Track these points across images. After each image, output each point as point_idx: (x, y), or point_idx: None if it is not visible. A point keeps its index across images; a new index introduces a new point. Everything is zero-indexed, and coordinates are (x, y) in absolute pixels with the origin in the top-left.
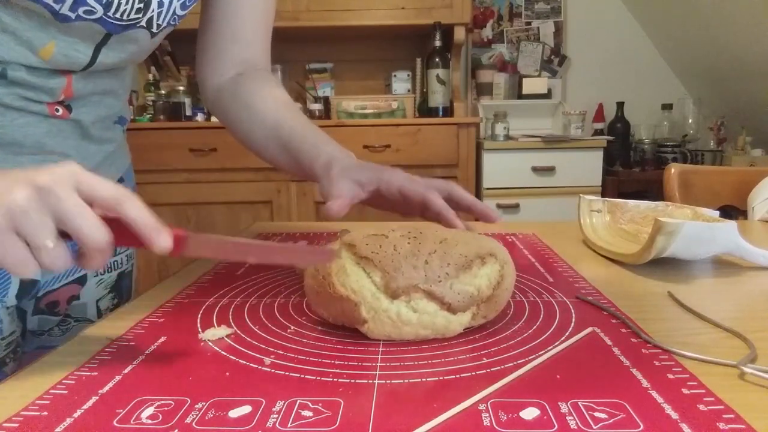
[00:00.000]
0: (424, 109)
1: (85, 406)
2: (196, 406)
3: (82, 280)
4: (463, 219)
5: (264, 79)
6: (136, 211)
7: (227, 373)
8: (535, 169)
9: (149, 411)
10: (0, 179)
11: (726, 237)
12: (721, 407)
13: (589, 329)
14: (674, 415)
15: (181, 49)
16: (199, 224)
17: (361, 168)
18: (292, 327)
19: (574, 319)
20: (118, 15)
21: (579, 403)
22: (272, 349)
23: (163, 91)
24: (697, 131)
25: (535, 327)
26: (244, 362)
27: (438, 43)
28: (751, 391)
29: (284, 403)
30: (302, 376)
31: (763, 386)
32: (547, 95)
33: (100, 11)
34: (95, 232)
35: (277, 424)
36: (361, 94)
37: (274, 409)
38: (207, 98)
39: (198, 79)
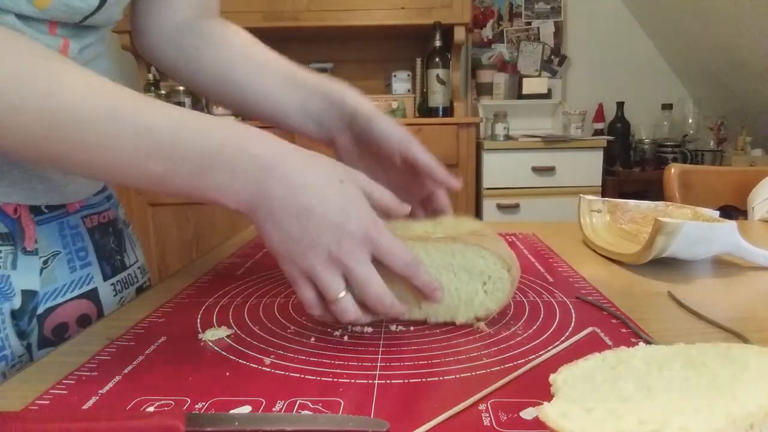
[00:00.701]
0: (424, 109)
1: (85, 406)
2: (196, 406)
3: (93, 296)
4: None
5: (227, 23)
6: (425, 281)
7: (227, 373)
8: (535, 169)
9: (149, 411)
10: (303, 221)
11: (726, 237)
12: None
13: (589, 329)
14: None
15: None
16: (199, 224)
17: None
18: (292, 327)
19: (574, 319)
20: None
21: None
22: (272, 349)
23: (163, 91)
24: (697, 131)
25: (535, 327)
26: (244, 362)
27: (438, 43)
28: None
29: (284, 403)
30: (302, 376)
31: None
32: (547, 95)
33: None
34: (380, 301)
35: None
36: (361, 94)
37: (274, 409)
38: (151, 44)
39: (138, 21)
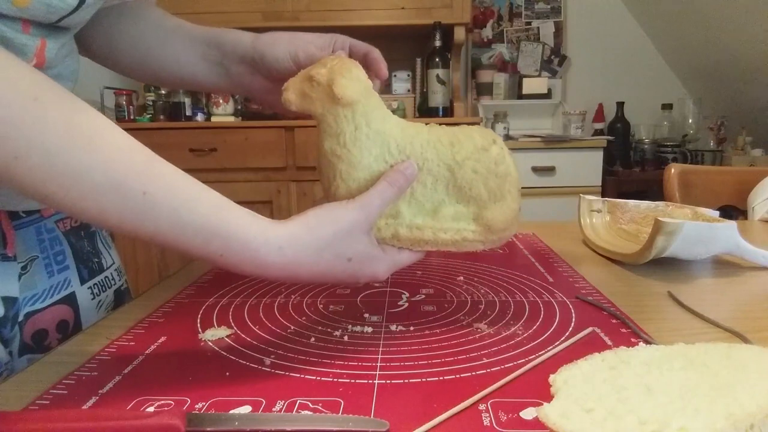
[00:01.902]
0: (424, 109)
1: (85, 406)
2: (196, 406)
3: (71, 301)
4: None
5: (150, 4)
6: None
7: (227, 373)
8: (535, 169)
9: (149, 411)
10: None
11: (726, 237)
12: None
13: (589, 329)
14: None
15: None
16: None
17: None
18: (292, 327)
19: (574, 319)
20: None
21: None
22: (272, 349)
23: (163, 91)
24: (697, 131)
25: (535, 327)
26: (244, 362)
27: (438, 43)
28: None
29: (284, 403)
30: (302, 376)
31: None
32: (547, 95)
33: None
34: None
35: None
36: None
37: (274, 409)
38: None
39: None
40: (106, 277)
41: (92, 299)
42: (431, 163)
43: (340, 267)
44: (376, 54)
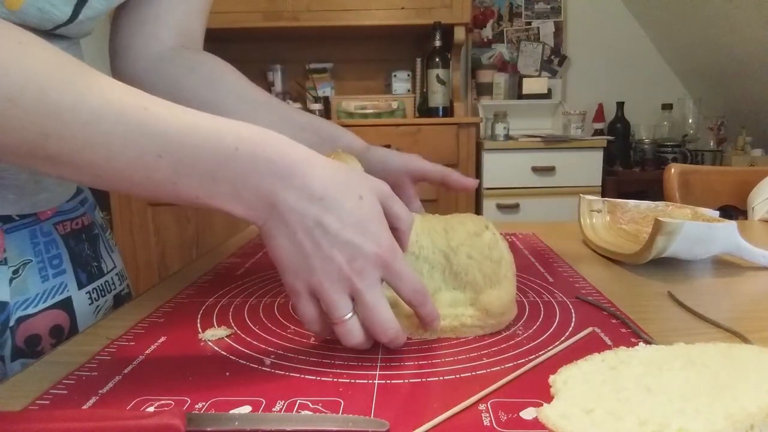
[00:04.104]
0: (424, 109)
1: (85, 406)
2: (196, 406)
3: (66, 306)
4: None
5: (214, 57)
6: (429, 311)
7: (227, 373)
8: (535, 169)
9: (149, 411)
10: (317, 244)
11: (726, 237)
12: None
13: (589, 329)
14: None
15: None
16: (199, 224)
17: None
18: (292, 327)
19: (574, 319)
20: None
21: None
22: (272, 349)
23: None
24: (697, 131)
25: (535, 327)
26: (244, 362)
27: (438, 43)
28: None
29: (284, 403)
30: (302, 376)
31: None
32: (547, 95)
33: None
34: (385, 328)
35: None
36: (361, 94)
37: (274, 409)
38: (129, 68)
39: (119, 44)
40: (106, 281)
41: (90, 304)
42: (427, 250)
43: (350, 201)
44: (455, 176)
